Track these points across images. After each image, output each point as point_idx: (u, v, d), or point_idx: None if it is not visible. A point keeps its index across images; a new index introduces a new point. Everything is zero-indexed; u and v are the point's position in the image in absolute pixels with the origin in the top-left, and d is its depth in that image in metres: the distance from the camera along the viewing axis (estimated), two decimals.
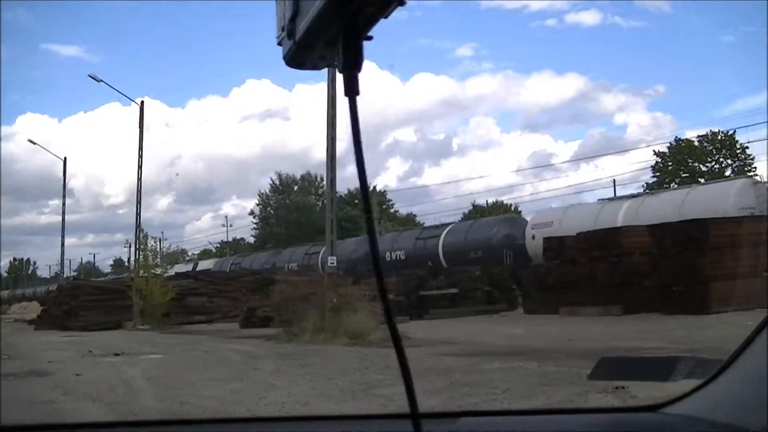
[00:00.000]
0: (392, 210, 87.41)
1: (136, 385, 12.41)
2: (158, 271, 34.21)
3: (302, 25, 1.01)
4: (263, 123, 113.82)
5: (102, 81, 36.75)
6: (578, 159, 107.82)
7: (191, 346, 20.56)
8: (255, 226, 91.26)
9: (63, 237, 51.76)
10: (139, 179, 33.93)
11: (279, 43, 1.08)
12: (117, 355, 18.16)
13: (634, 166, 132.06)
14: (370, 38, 0.99)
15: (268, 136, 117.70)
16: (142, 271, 33.81)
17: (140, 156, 33.85)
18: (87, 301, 34.62)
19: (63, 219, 51.32)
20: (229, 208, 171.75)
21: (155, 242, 35.77)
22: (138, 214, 34.27)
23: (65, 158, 52.02)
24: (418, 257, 41.26)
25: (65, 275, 59.29)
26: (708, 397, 1.75)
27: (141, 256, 34.80)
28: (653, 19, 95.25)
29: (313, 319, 18.66)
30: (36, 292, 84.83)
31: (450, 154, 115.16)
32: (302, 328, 18.95)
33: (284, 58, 1.08)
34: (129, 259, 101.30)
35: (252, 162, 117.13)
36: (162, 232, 79.46)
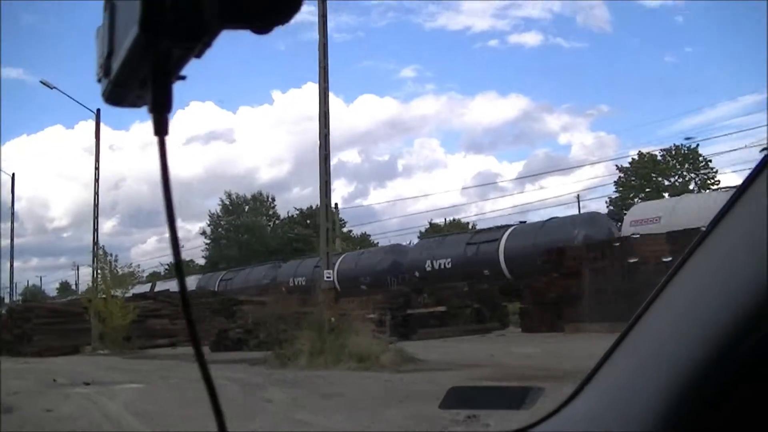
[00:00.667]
0: (345, 229, 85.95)
1: (127, 424, 10.32)
2: (118, 291, 31.76)
3: (116, 65, 0.96)
4: (207, 145, 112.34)
5: (55, 88, 34.47)
6: (523, 177, 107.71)
7: (168, 373, 18.37)
8: (206, 246, 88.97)
9: (12, 257, 48.85)
10: (96, 193, 31.57)
11: (98, 81, 1.02)
12: (87, 384, 15.94)
13: (578, 185, 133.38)
14: (183, 78, 0.94)
15: (213, 158, 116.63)
16: (100, 293, 31.30)
17: (96, 168, 31.56)
18: (41, 324, 32.03)
19: (12, 238, 48.55)
20: None
21: (113, 261, 33.14)
22: (95, 230, 31.89)
23: (13, 174, 49.30)
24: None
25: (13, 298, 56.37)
26: (563, 420, 1.68)
27: (99, 276, 32.27)
28: (594, 39, 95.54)
29: (310, 341, 16.57)
30: None
31: (395, 176, 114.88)
32: (296, 351, 16.85)
33: (102, 95, 1.02)
34: (76, 282, 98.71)
35: (196, 184, 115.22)
36: (113, 254, 77.05)
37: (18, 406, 12.58)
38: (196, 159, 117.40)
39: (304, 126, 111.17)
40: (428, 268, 36.86)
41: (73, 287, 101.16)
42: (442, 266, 36.34)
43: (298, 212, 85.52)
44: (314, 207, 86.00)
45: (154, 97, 0.92)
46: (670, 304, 1.49)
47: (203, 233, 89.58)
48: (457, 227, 74.15)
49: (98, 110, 33.13)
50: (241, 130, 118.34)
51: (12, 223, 48.46)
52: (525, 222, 38.49)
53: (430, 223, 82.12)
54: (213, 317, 35.20)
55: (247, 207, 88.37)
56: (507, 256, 33.73)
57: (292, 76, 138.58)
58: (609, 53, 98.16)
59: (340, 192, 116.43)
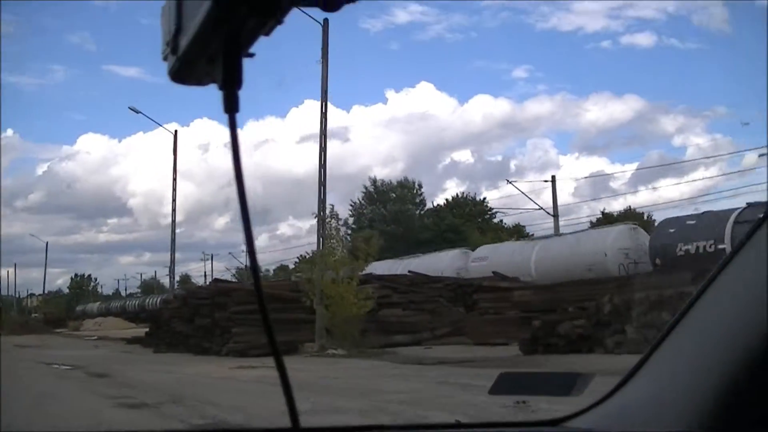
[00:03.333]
0: (495, 220, 78.38)
1: None
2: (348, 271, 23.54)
3: (184, 42, 0.98)
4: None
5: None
6: (641, 168, 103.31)
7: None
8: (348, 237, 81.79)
9: (173, 233, 41.31)
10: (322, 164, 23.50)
11: (164, 59, 1.04)
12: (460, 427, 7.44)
13: (692, 186, 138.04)
14: (251, 55, 0.97)
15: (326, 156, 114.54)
16: (330, 271, 23.03)
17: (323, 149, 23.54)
18: (240, 312, 23.86)
19: (173, 210, 41.32)
20: (285, 228, 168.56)
21: (343, 227, 24.65)
22: (322, 183, 23.58)
23: (175, 131, 43.58)
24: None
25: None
26: (610, 410, 1.71)
27: (323, 248, 23.93)
28: (711, 40, 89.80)
29: None
30: (127, 305, 74.75)
31: (508, 176, 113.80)
32: None
33: (168, 73, 1.03)
34: (205, 273, 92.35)
35: (308, 183, 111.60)
36: (344, 218, 74.57)
37: None
38: (309, 157, 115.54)
39: (417, 125, 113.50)
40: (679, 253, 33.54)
41: (194, 280, 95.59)
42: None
43: (445, 202, 78.83)
44: (461, 195, 79.54)
45: (225, 73, 0.92)
46: (715, 302, 1.47)
47: (345, 224, 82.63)
48: (628, 217, 65.50)
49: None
50: (355, 129, 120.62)
51: (174, 191, 41.50)
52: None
53: (603, 213, 73.47)
54: (452, 307, 27.32)
55: (393, 194, 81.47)
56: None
57: (405, 76, 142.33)
58: (726, 54, 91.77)
59: (451, 191, 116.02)
